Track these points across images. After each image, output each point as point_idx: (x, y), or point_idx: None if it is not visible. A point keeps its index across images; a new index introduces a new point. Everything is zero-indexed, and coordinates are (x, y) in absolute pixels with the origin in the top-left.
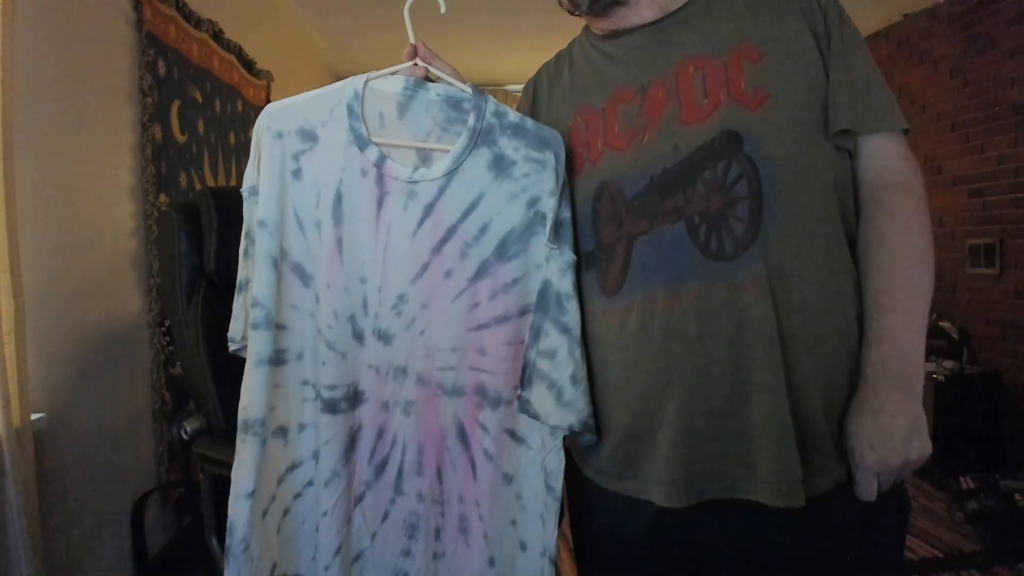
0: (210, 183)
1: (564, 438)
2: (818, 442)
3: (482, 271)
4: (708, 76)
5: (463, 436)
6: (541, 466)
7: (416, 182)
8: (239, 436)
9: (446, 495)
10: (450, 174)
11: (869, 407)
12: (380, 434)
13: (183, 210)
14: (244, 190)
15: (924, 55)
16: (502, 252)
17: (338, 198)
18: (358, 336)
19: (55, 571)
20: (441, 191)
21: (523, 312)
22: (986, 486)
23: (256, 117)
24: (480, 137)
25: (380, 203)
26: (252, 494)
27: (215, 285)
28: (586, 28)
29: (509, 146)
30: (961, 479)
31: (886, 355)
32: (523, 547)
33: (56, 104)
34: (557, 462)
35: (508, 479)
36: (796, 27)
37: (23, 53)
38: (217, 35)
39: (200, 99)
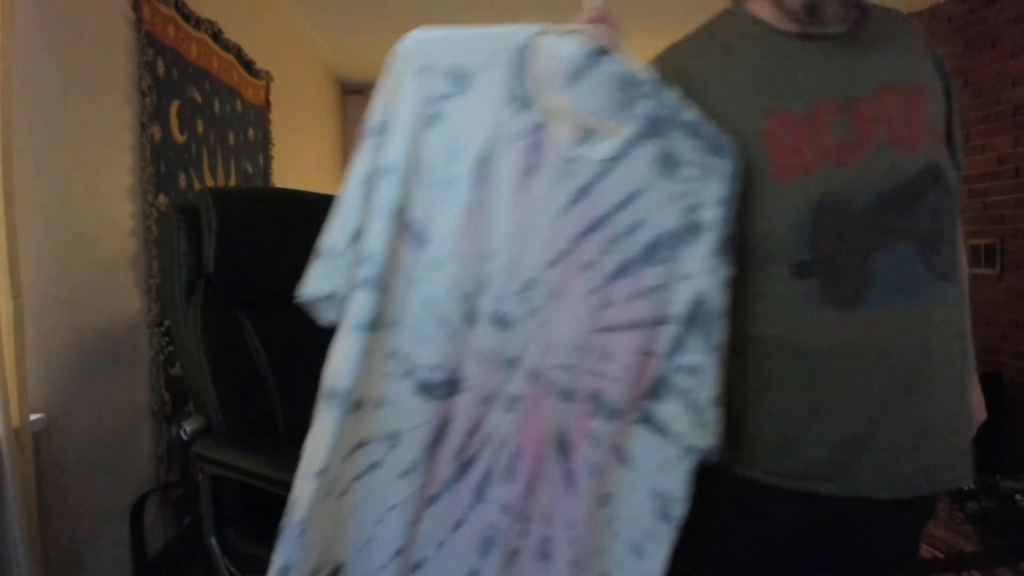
0: (209, 183)
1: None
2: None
3: (624, 270)
4: (906, 105)
5: (565, 445)
6: (651, 492)
7: (574, 159)
8: (321, 405)
9: (533, 511)
10: (613, 159)
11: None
12: (472, 430)
13: (183, 211)
14: (368, 125)
15: None
16: (650, 255)
17: (481, 159)
18: (470, 316)
19: (54, 571)
20: (599, 176)
21: (656, 323)
22: (986, 487)
23: (255, 118)
24: (652, 128)
25: (529, 174)
26: (323, 472)
27: (215, 286)
28: (754, 18)
29: (681, 145)
30: None
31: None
32: None
33: (55, 104)
34: (681, 490)
35: (605, 500)
36: (936, 76)
37: (22, 53)
38: (216, 35)
39: (199, 99)
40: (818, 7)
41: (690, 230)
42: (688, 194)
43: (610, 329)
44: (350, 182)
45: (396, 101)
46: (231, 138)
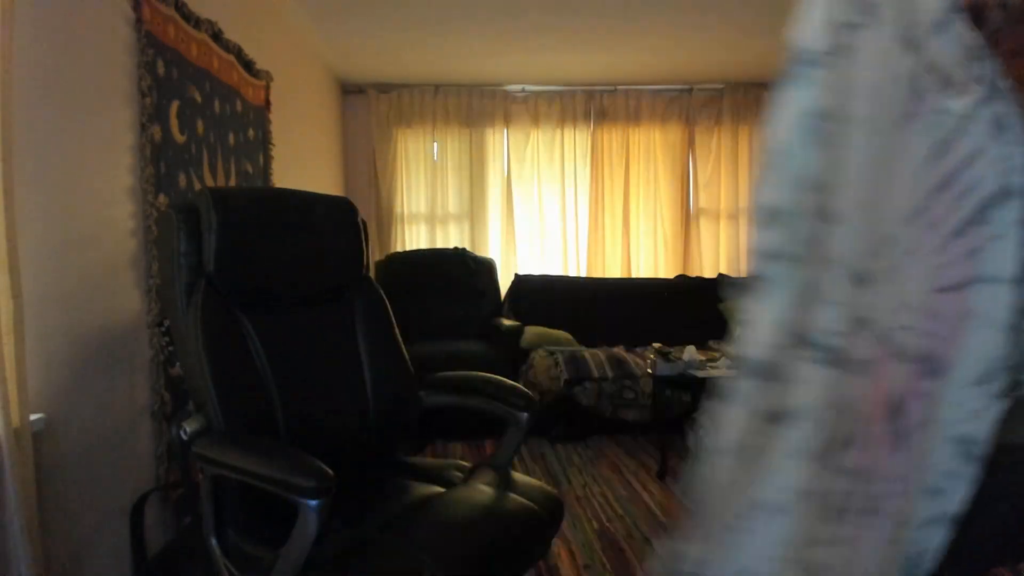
0: (209, 183)
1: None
2: None
3: (961, 230)
4: None
5: (899, 408)
6: (953, 438)
7: (940, 111)
8: (744, 383)
9: (868, 473)
10: (967, 117)
11: None
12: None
13: (183, 210)
14: (798, 50)
15: None
16: (980, 216)
17: (874, 99)
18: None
19: (54, 571)
20: (956, 131)
21: (969, 283)
22: None
23: (255, 118)
24: (990, 91)
25: (907, 120)
26: (736, 451)
27: (215, 286)
28: None
29: (1007, 112)
30: None
31: None
32: (907, 524)
33: (55, 104)
34: (988, 431)
35: (919, 454)
36: None
37: (22, 53)
38: (216, 35)
39: (199, 99)
40: (983, 12)
41: (1002, 193)
42: (1006, 157)
43: (945, 289)
44: (780, 124)
45: (828, 29)
46: (231, 138)
